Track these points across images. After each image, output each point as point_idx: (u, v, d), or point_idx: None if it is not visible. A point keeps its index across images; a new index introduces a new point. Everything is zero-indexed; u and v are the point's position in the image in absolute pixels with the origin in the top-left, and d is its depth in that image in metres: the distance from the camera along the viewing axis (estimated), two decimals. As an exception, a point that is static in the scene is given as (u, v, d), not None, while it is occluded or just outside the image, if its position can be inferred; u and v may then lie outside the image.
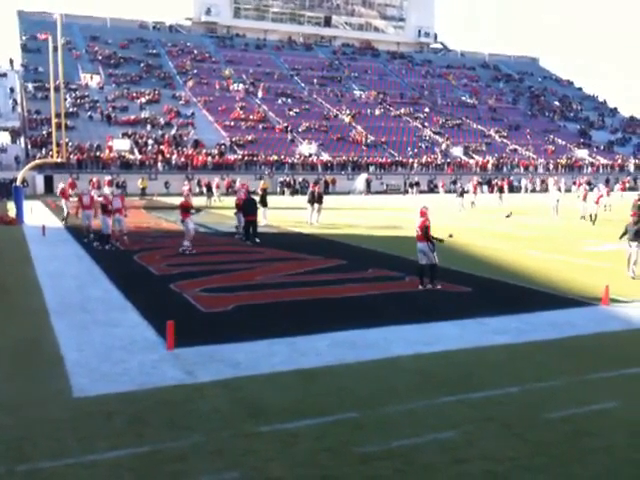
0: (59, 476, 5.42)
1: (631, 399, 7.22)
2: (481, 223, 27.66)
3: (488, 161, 62.92)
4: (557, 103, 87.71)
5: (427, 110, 75.68)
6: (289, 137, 61.41)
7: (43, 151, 48.60)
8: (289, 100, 71.26)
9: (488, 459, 5.75)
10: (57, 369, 8.09)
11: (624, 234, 14.93)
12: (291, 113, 66.94)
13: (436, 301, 12.16)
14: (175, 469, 5.56)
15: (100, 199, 20.20)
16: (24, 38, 72.17)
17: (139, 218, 27.50)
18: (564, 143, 72.60)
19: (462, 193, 35.03)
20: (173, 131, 57.54)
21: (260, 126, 62.58)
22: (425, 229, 12.87)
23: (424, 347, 9.06)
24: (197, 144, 56.06)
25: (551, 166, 64.73)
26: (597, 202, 27.77)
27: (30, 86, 61.04)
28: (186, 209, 18.10)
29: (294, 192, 50.39)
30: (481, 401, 7.12)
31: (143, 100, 63.52)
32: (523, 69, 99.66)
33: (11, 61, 71.10)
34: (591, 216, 26.88)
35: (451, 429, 6.35)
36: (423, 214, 13.12)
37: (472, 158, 63.91)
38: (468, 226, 26.03)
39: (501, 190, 41.47)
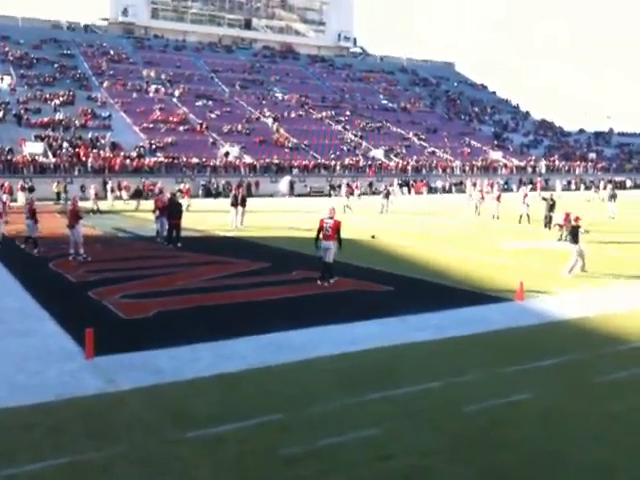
0: (-26, 493, 5.23)
1: (543, 390, 7.57)
2: (401, 224, 28.21)
3: (408, 163, 64.23)
4: (472, 107, 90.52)
5: (348, 113, 76.51)
6: (210, 139, 60.74)
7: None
8: (210, 102, 70.43)
9: (411, 454, 5.91)
10: (-31, 382, 7.75)
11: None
12: (212, 115, 66.17)
13: (360, 301, 12.36)
14: (99, 479, 5.44)
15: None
16: None
17: (53, 223, 26.51)
18: (479, 145, 75.00)
19: (387, 195, 35.37)
20: (89, 134, 55.81)
21: (180, 128, 61.55)
22: (338, 229, 13.43)
23: (348, 347, 9.19)
24: (115, 147, 54.56)
25: (467, 168, 66.71)
26: (524, 202, 27.54)
27: None
28: (76, 215, 17.61)
29: (217, 194, 49.85)
30: (403, 397, 7.30)
31: (57, 102, 61.29)
32: (439, 74, 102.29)
33: None
34: (528, 216, 26.81)
35: (375, 426, 6.48)
36: (334, 213, 13.64)
37: (392, 161, 65.07)
38: (389, 227, 26.51)
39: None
